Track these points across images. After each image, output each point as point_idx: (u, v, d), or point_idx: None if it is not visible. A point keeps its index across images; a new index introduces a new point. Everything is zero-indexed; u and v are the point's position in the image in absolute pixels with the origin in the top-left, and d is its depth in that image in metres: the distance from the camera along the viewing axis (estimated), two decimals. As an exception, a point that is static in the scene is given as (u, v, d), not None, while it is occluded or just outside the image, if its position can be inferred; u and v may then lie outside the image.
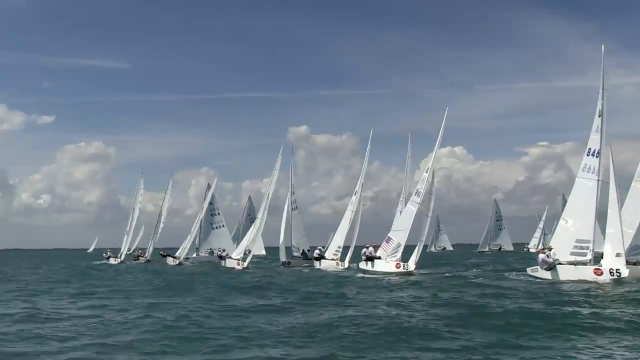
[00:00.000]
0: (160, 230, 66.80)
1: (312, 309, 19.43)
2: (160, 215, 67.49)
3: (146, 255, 65.84)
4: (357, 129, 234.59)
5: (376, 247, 40.98)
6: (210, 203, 67.20)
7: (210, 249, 65.60)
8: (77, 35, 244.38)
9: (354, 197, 47.29)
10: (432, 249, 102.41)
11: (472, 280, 30.84)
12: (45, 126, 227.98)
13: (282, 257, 49.07)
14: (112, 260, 66.95)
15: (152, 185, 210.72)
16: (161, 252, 66.03)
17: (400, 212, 44.37)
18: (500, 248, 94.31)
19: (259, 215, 50.45)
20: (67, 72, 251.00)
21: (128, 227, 68.45)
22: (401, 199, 47.06)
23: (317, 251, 48.24)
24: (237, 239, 68.97)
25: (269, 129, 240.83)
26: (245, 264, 47.34)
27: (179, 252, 60.94)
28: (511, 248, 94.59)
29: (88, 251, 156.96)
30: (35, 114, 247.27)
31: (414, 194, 39.99)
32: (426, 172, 39.44)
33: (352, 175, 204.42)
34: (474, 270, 40.46)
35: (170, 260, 60.34)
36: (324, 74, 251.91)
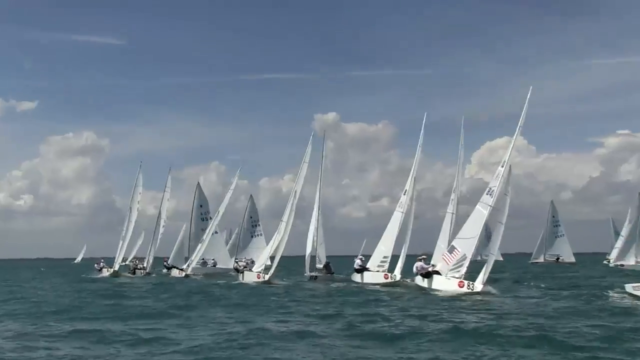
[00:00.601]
0: (160, 236, 58.41)
1: None
2: (159, 217, 58.99)
3: (145, 266, 57.42)
4: (395, 116, 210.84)
5: (425, 259, 34.88)
6: (201, 205, 59.45)
7: (203, 259, 56.59)
8: (63, 4, 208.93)
9: (403, 197, 40.38)
10: (478, 257, 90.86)
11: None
12: (25, 114, 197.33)
13: (309, 271, 43.28)
14: (105, 272, 57.67)
15: (153, 183, 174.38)
16: (166, 262, 58.26)
17: (453, 214, 39.53)
18: (558, 259, 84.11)
19: (284, 218, 42.24)
20: (52, 49, 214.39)
21: (124, 232, 58.14)
22: (452, 197, 40.71)
23: (357, 261, 40.35)
24: (237, 247, 61.19)
25: (291, 117, 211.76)
26: (268, 277, 40.34)
27: (193, 261, 53.36)
28: (572, 259, 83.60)
29: (75, 262, 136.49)
30: (14, 99, 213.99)
31: (485, 192, 31.94)
32: (501, 166, 31.33)
33: (389, 171, 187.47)
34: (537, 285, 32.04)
35: (175, 273, 53.62)
36: (357, 51, 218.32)
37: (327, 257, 44.77)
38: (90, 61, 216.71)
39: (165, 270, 57.16)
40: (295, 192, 42.49)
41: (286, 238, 40.38)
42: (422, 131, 40.86)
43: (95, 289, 37.03)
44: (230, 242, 65.00)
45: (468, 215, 41.75)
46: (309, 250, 43.35)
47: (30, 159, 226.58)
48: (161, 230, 58.36)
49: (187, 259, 57.03)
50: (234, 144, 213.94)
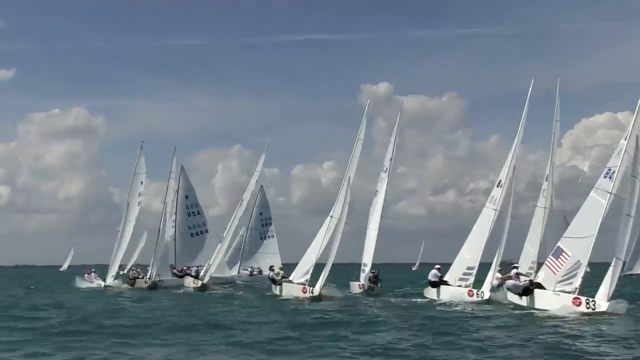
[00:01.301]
0: (168, 238, 48.18)
1: None
2: (163, 212, 47.34)
3: (148, 276, 45.76)
4: (464, 87, 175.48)
5: (517, 270, 27.64)
6: (186, 196, 49.86)
7: (189, 267, 46.76)
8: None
9: (496, 191, 32.00)
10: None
11: None
12: (0, 85, 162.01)
13: (363, 280, 35.28)
14: (96, 282, 47.89)
15: (161, 171, 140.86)
16: (175, 269, 47.76)
17: (546, 208, 31.72)
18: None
19: (335, 213, 33.62)
20: (33, 3, 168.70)
21: (119, 232, 46.24)
22: (544, 188, 32.24)
23: (434, 272, 32.46)
24: (242, 251, 52.49)
25: (332, 89, 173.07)
26: (317, 290, 31.50)
27: (212, 266, 42.50)
28: None
29: (60, 269, 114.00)
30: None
31: (603, 175, 23.97)
32: (624, 139, 23.29)
33: (457, 157, 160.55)
34: None
35: (190, 282, 42.80)
36: (414, 5, 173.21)
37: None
38: (82, 18, 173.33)
39: (188, 279, 45.11)
40: (349, 178, 34.50)
41: (339, 238, 31.91)
42: (526, 102, 31.38)
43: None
44: (234, 245, 54.06)
45: (564, 211, 34.55)
46: (372, 254, 35.25)
47: (6, 142, 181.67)
48: (170, 229, 48.34)
49: (172, 266, 47.73)
50: (261, 122, 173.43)
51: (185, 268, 46.46)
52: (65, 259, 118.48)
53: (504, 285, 26.74)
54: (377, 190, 36.47)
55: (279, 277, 35.54)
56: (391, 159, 36.27)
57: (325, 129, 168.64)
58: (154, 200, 73.00)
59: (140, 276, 45.78)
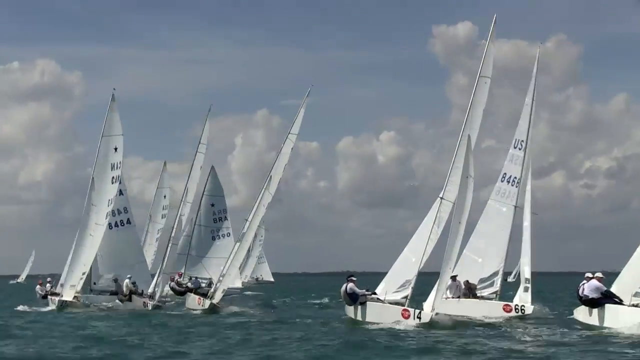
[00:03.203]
0: (184, 232, 39.34)
1: None
2: (182, 200, 36.65)
3: (157, 294, 33.55)
4: (578, 29, 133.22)
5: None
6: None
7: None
8: None
9: None
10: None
11: None
12: None
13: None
14: (50, 300, 34.99)
15: (158, 146, 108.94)
16: (175, 281, 35.82)
17: None
18: None
19: (447, 195, 24.49)
20: None
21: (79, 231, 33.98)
22: None
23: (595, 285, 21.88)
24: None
25: (394, 33, 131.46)
26: (425, 317, 21.97)
27: (223, 279, 31.01)
28: None
29: (17, 281, 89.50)
30: None
31: None
32: None
33: (567, 125, 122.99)
34: None
35: (194, 302, 31.97)
36: None
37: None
38: None
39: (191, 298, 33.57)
40: (468, 137, 23.59)
41: (460, 233, 22.50)
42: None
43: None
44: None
45: None
46: (527, 262, 26.08)
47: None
48: (183, 219, 37.05)
49: (172, 277, 35.79)
50: (295, 79, 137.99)
51: (178, 277, 36.75)
52: (24, 267, 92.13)
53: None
54: (505, 173, 27.92)
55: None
56: (529, 127, 27.69)
57: (383, 88, 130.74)
58: (148, 185, 57.31)
59: (138, 291, 33.92)
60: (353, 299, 23.56)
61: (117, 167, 33.53)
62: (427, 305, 23.16)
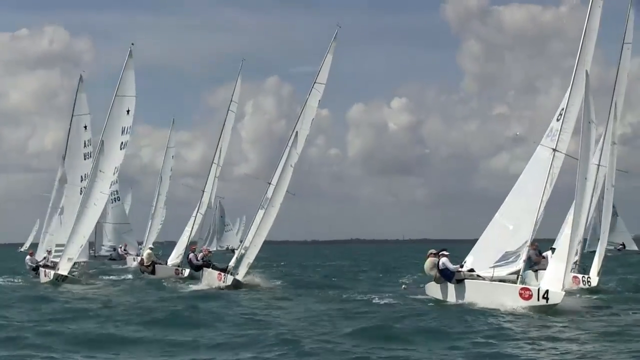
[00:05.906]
0: (213, 198, 36.58)
1: None
2: (214, 162, 34.31)
3: (179, 265, 33.53)
4: None
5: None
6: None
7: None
8: None
9: None
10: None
11: None
12: None
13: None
14: (44, 274, 30.90)
15: (166, 113, 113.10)
16: (194, 253, 31.64)
17: None
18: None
19: (560, 146, 20.74)
20: None
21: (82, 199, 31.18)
22: None
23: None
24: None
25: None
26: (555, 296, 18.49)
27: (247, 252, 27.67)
28: (634, 247, 73.60)
29: (20, 250, 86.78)
30: None
31: None
32: None
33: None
34: None
35: (214, 279, 27.84)
36: None
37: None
38: None
39: (186, 271, 32.42)
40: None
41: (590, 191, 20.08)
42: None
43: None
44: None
45: None
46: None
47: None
48: (211, 190, 34.55)
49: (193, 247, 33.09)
50: (306, 46, 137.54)
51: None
52: (28, 235, 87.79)
53: None
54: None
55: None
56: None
57: (393, 54, 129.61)
58: (157, 155, 55.27)
59: (159, 261, 34.32)
60: (447, 276, 20.05)
61: (127, 132, 31.43)
62: (549, 281, 18.52)
